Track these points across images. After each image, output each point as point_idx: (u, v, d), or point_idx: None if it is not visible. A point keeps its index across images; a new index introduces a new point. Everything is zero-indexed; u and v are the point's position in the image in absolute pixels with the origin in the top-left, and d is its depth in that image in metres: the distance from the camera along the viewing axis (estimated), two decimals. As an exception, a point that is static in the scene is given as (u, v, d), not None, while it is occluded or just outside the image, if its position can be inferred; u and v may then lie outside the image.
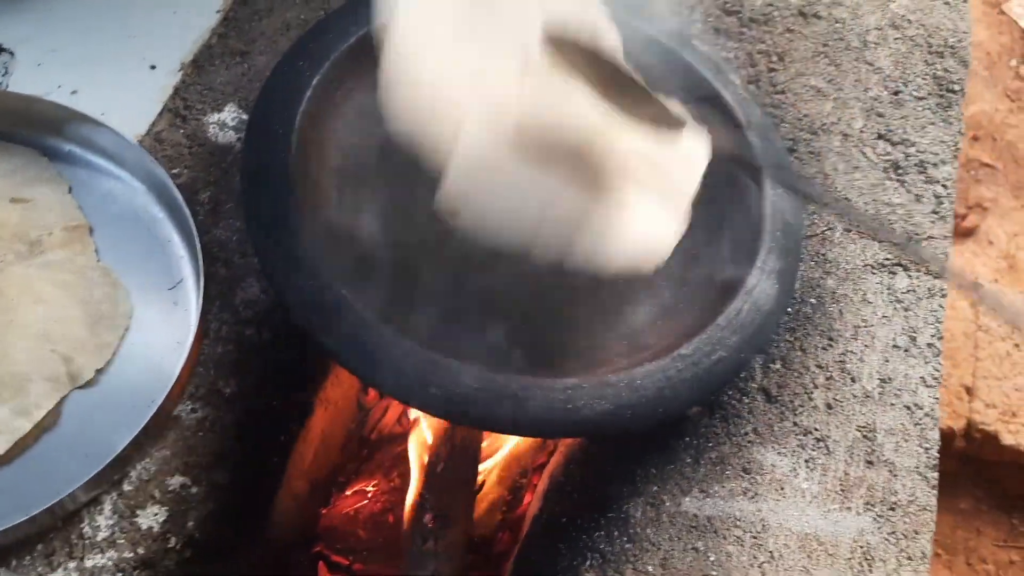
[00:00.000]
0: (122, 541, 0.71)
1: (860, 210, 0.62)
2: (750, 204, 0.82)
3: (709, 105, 0.86)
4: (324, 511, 1.01)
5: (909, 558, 0.76)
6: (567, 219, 0.73)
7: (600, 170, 0.76)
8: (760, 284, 0.77)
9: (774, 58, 1.03)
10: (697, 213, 0.86)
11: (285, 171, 0.74)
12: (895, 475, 0.79)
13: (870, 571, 0.75)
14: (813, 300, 0.87)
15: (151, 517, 0.72)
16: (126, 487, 0.73)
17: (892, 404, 0.82)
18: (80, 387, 0.76)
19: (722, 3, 1.07)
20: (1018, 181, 2.02)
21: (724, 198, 0.84)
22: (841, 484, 0.79)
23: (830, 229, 0.92)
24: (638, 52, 0.89)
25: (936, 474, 0.80)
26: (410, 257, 0.81)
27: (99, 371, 0.76)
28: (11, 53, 0.94)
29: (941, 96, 1.02)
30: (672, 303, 0.82)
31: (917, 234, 0.92)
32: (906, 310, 0.88)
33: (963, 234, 1.92)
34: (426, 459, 0.96)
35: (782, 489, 0.78)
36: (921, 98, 1.02)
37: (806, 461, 0.79)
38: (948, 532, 1.56)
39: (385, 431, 1.09)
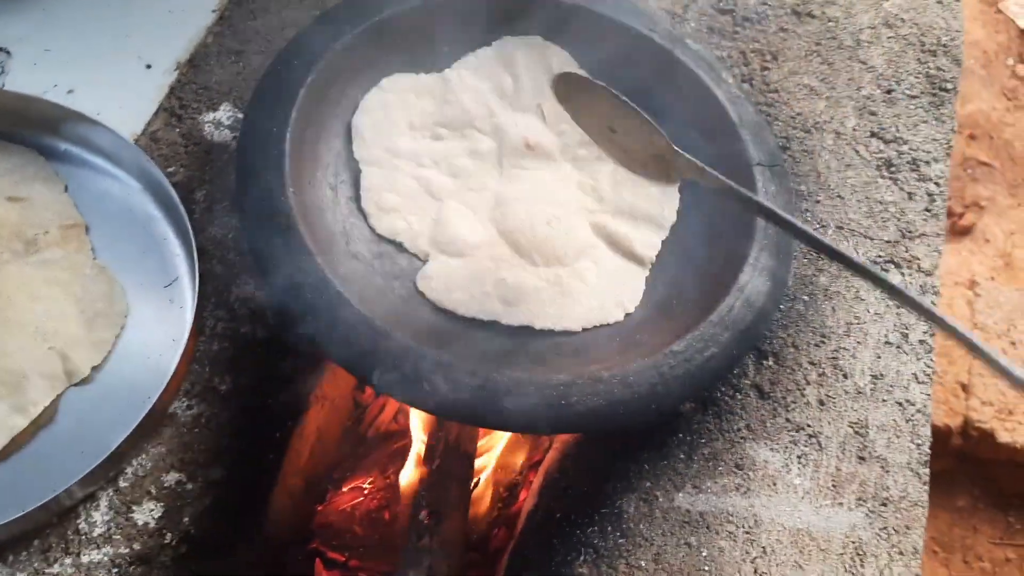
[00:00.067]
0: (118, 537, 0.71)
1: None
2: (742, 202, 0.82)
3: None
4: (320, 508, 1.01)
5: (901, 553, 0.76)
6: (533, 294, 0.79)
7: (563, 251, 0.82)
8: (752, 281, 0.77)
9: (767, 57, 1.03)
10: (689, 212, 0.87)
11: (279, 169, 0.75)
12: (887, 471, 0.80)
13: (862, 566, 0.75)
14: (806, 297, 0.88)
15: (147, 513, 0.73)
16: (122, 483, 0.73)
17: (884, 400, 0.83)
18: (76, 384, 0.76)
19: (716, 2, 1.07)
20: (1015, 179, 2.02)
21: (716, 197, 0.85)
22: (833, 480, 0.79)
23: (823, 227, 0.92)
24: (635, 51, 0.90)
25: (928, 470, 0.80)
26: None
27: (95, 368, 0.77)
28: (7, 52, 0.94)
29: (934, 94, 1.03)
30: (665, 300, 0.82)
31: (910, 231, 0.93)
32: (898, 307, 0.88)
33: (960, 232, 1.93)
34: (422, 456, 0.97)
35: (774, 485, 0.78)
36: (914, 96, 1.02)
37: (798, 457, 0.80)
38: (945, 530, 1.57)
39: (381, 428, 1.09)
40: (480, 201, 0.86)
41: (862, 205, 0.94)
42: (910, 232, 0.93)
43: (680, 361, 0.72)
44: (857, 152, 0.97)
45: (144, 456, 0.75)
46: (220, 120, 0.91)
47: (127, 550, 0.71)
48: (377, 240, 0.82)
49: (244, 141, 0.78)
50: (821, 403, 0.82)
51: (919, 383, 0.84)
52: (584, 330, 0.80)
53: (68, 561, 0.70)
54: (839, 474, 0.79)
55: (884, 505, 0.78)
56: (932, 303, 0.89)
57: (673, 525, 0.76)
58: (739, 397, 0.82)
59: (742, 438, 0.80)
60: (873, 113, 1.00)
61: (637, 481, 0.78)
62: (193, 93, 0.93)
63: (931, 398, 0.84)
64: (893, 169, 0.97)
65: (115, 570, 0.70)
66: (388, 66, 0.89)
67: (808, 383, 0.83)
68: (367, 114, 0.87)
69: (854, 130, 0.99)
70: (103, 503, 0.72)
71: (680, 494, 0.77)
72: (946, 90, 1.03)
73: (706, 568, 0.74)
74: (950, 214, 1.94)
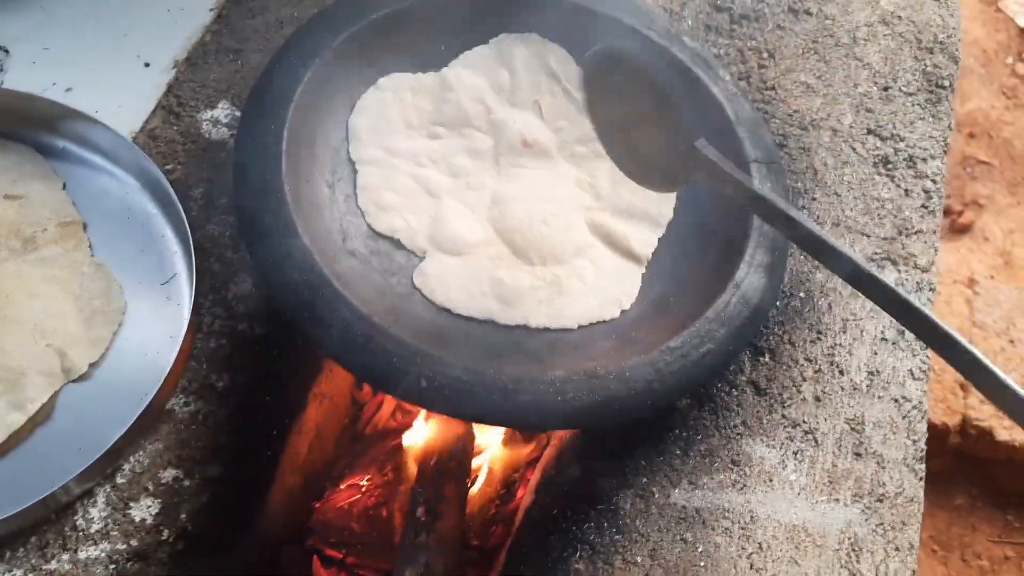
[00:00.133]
0: (115, 533, 0.72)
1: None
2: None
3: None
4: (318, 505, 1.01)
5: (897, 549, 0.77)
6: (530, 293, 0.80)
7: (560, 250, 0.82)
8: (748, 278, 0.77)
9: (764, 54, 1.04)
10: (686, 208, 0.87)
11: (276, 167, 0.75)
12: (883, 467, 0.80)
13: (858, 562, 0.76)
14: (802, 294, 0.88)
15: (144, 509, 0.73)
16: (119, 480, 0.74)
17: (880, 397, 0.83)
18: (74, 381, 0.76)
19: (713, 0, 1.08)
20: (1014, 178, 2.03)
21: (714, 194, 0.85)
22: (829, 476, 0.79)
23: (820, 224, 0.92)
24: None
25: (924, 466, 0.80)
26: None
27: (93, 365, 0.77)
28: (6, 51, 0.95)
29: (931, 92, 1.03)
30: (661, 297, 0.82)
31: (906, 228, 0.93)
32: (895, 304, 0.88)
33: (959, 231, 1.93)
34: (419, 453, 0.97)
35: (770, 481, 0.78)
36: (911, 94, 1.02)
37: (795, 453, 0.80)
38: (943, 528, 1.57)
39: (379, 426, 1.09)
40: (478, 200, 0.86)
41: (859, 202, 0.94)
42: (907, 229, 0.93)
43: (676, 357, 0.73)
44: (854, 149, 0.98)
45: (141, 453, 0.75)
46: (218, 118, 0.92)
47: (124, 546, 0.71)
48: (374, 237, 0.82)
49: (241, 139, 0.78)
50: (817, 399, 0.83)
51: (915, 379, 0.84)
52: (580, 327, 0.81)
53: (65, 557, 0.70)
54: (835, 470, 0.79)
55: (880, 501, 0.78)
56: (928, 299, 0.89)
57: (669, 521, 0.76)
58: (735, 393, 0.83)
59: (738, 434, 0.80)
60: (870, 110, 1.01)
61: (633, 477, 0.78)
62: (191, 91, 0.93)
63: (927, 394, 0.84)
64: (890, 166, 0.97)
65: (112, 566, 0.71)
66: (386, 65, 0.89)
67: (804, 379, 0.84)
68: (364, 114, 0.87)
69: (851, 127, 0.99)
70: (100, 500, 0.73)
71: (676, 490, 0.78)
72: (943, 87, 1.03)
73: (702, 564, 0.74)
74: (949, 212, 1.94)
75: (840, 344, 0.86)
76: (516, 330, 0.79)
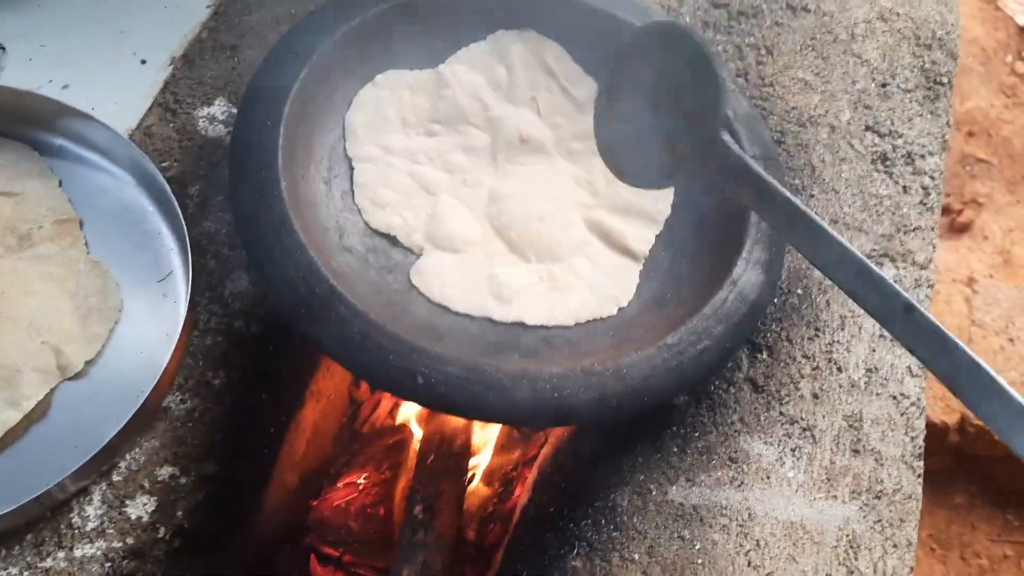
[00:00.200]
0: (111, 531, 0.71)
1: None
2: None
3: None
4: (315, 503, 1.01)
5: (895, 546, 0.76)
6: (527, 290, 0.79)
7: (556, 247, 0.82)
8: (746, 275, 0.77)
9: (762, 51, 1.03)
10: (683, 206, 0.87)
11: (273, 163, 0.75)
12: (881, 464, 0.80)
13: (856, 559, 0.75)
14: (800, 291, 0.88)
15: (140, 507, 0.73)
16: (115, 477, 0.73)
17: (878, 394, 0.83)
18: (70, 378, 0.76)
19: (711, -3, 1.08)
20: (1013, 177, 2.03)
21: (710, 191, 0.85)
22: (827, 473, 0.79)
23: (817, 221, 0.92)
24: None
25: (922, 463, 0.80)
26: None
27: (89, 363, 0.77)
28: (3, 48, 0.94)
29: (929, 88, 1.03)
30: (659, 294, 0.82)
31: (904, 225, 0.93)
32: (893, 301, 0.88)
33: (958, 230, 1.93)
34: (417, 451, 0.97)
35: (768, 478, 0.78)
36: (909, 90, 1.02)
37: (792, 450, 0.80)
38: (943, 527, 1.57)
39: (377, 424, 1.09)
40: (475, 197, 0.86)
41: (857, 199, 0.94)
42: (905, 226, 0.93)
43: (673, 354, 0.72)
44: (852, 146, 0.97)
45: (137, 450, 0.75)
46: (214, 115, 0.91)
47: (120, 544, 0.71)
48: (371, 234, 0.82)
49: (238, 136, 0.78)
50: (815, 396, 0.82)
51: (913, 376, 0.84)
52: (577, 325, 0.80)
53: (61, 555, 0.70)
54: (833, 467, 0.79)
55: (878, 498, 0.78)
56: (926, 296, 0.89)
57: (666, 518, 0.76)
58: (733, 390, 0.82)
59: (736, 431, 0.80)
60: (868, 107, 1.00)
61: (630, 474, 0.78)
62: (187, 88, 0.93)
63: (925, 391, 0.84)
64: (888, 163, 0.97)
65: (108, 564, 0.70)
66: (382, 61, 0.89)
67: (802, 376, 0.83)
68: (361, 110, 0.87)
69: (849, 124, 0.99)
70: (96, 497, 0.72)
71: (673, 487, 0.77)
72: (941, 84, 1.03)
73: (699, 561, 0.74)
74: (948, 211, 1.94)
75: (838, 341, 0.85)
76: (513, 327, 0.79)
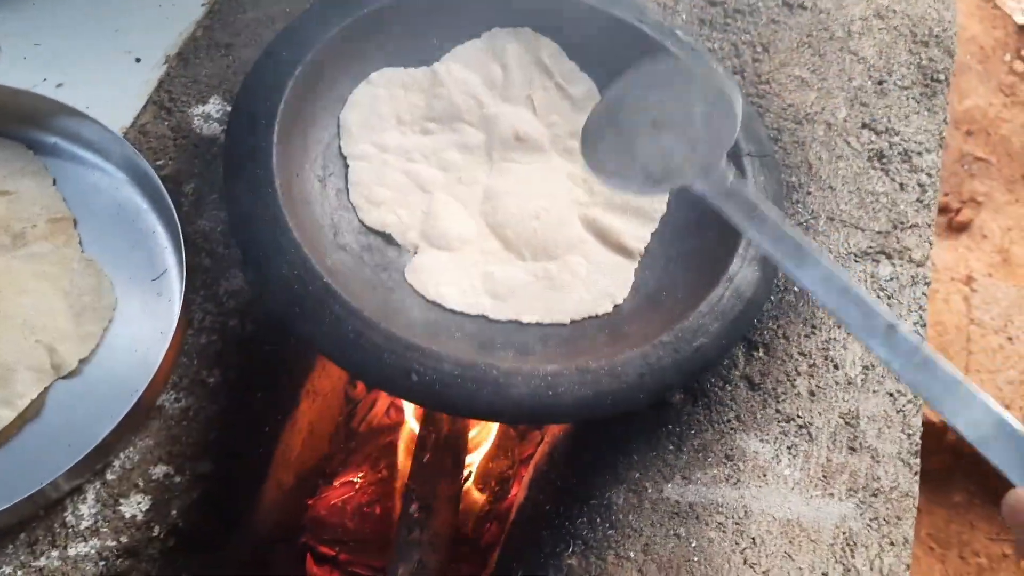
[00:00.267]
0: (105, 530, 0.71)
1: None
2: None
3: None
4: (311, 502, 1.01)
5: (892, 543, 0.76)
6: (522, 288, 0.79)
7: (552, 245, 0.82)
8: (742, 271, 0.77)
9: (759, 48, 1.03)
10: (679, 203, 0.87)
11: (267, 161, 0.75)
12: (878, 461, 0.80)
13: (852, 556, 0.75)
14: (796, 288, 0.88)
15: (134, 506, 0.73)
16: (109, 476, 0.73)
17: (875, 391, 0.83)
18: (64, 377, 0.76)
19: (707, -6, 1.08)
20: (1012, 175, 2.02)
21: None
22: (823, 470, 0.79)
23: (814, 218, 0.92)
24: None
25: (919, 460, 0.80)
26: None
27: (83, 361, 0.77)
28: (-3, 47, 0.94)
29: (926, 85, 1.02)
30: (655, 292, 0.82)
31: (901, 222, 0.92)
32: (889, 297, 0.88)
33: (957, 229, 1.93)
34: (413, 450, 0.96)
35: (764, 476, 0.78)
36: (905, 87, 1.02)
37: (788, 448, 0.80)
38: (942, 526, 1.57)
39: (374, 423, 1.09)
40: (470, 195, 0.86)
41: (853, 196, 0.94)
42: (901, 223, 0.93)
43: (669, 351, 0.72)
44: (848, 143, 0.97)
45: (132, 449, 0.75)
46: (209, 113, 0.91)
47: (114, 543, 0.71)
48: (366, 232, 0.82)
49: (232, 134, 0.77)
50: (812, 394, 0.82)
51: (910, 374, 0.84)
52: (573, 322, 0.80)
53: (55, 554, 0.70)
54: (829, 465, 0.79)
55: (875, 496, 0.78)
56: (923, 293, 0.88)
57: (662, 516, 0.76)
58: (729, 388, 0.82)
59: (732, 429, 0.80)
60: (864, 104, 1.00)
61: (626, 472, 0.78)
62: (182, 87, 0.93)
63: (922, 389, 0.84)
64: (884, 160, 0.97)
65: (102, 563, 0.70)
66: (377, 59, 0.88)
67: (799, 374, 0.83)
68: (355, 109, 0.86)
69: (845, 121, 0.99)
70: (90, 496, 0.72)
71: (669, 485, 0.77)
72: (938, 81, 1.03)
73: (695, 559, 0.74)
74: (947, 210, 1.94)
75: (834, 338, 0.85)
76: (508, 325, 0.79)
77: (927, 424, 1.55)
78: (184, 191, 0.86)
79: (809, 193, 0.94)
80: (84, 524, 0.71)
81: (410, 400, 0.71)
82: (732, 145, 0.68)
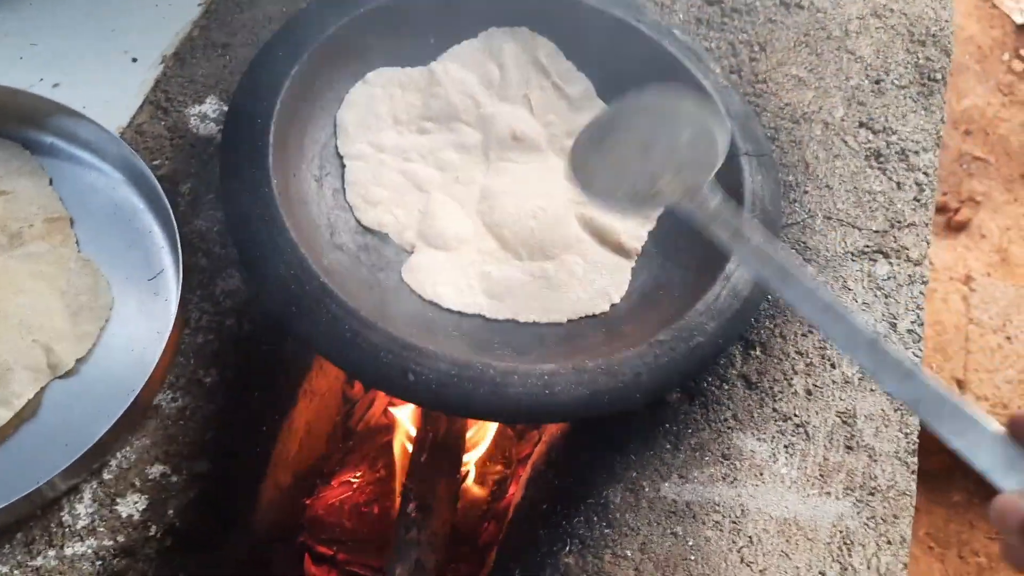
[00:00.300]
0: (102, 529, 0.71)
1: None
2: (728, 192, 0.82)
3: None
4: (309, 502, 1.01)
5: (889, 542, 0.76)
6: (519, 288, 0.79)
7: (549, 244, 0.82)
8: (739, 271, 0.77)
9: (756, 48, 1.03)
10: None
11: (264, 161, 0.75)
12: (875, 460, 0.79)
13: (849, 555, 0.75)
14: (793, 287, 0.88)
15: (131, 505, 0.73)
16: (106, 475, 0.73)
17: (872, 390, 0.83)
18: (60, 377, 0.76)
19: (704, -6, 1.08)
20: (1010, 175, 2.02)
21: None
22: (820, 469, 0.79)
23: (811, 217, 0.92)
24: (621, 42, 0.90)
25: (916, 459, 0.80)
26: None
27: (79, 361, 0.77)
28: (-7, 47, 0.94)
29: (923, 84, 1.02)
30: (651, 291, 0.82)
31: (898, 221, 0.92)
32: (887, 297, 0.88)
33: (956, 228, 1.93)
34: (410, 450, 0.96)
35: (761, 474, 0.78)
36: (903, 87, 1.02)
37: (785, 447, 0.80)
38: (941, 525, 1.57)
39: (371, 422, 1.09)
40: (467, 194, 0.86)
41: (850, 195, 0.94)
42: (899, 222, 0.93)
43: (665, 350, 0.72)
44: (845, 142, 0.97)
45: (128, 448, 0.74)
46: (206, 113, 0.91)
47: (111, 542, 0.71)
48: (362, 232, 0.82)
49: (228, 134, 0.77)
50: (808, 393, 0.82)
51: (907, 372, 0.84)
52: (570, 321, 0.80)
53: (52, 553, 0.70)
54: (826, 464, 0.79)
55: (872, 494, 0.78)
56: (920, 292, 0.88)
57: (659, 515, 0.76)
58: (726, 387, 0.82)
59: (729, 428, 0.80)
60: (862, 103, 1.00)
61: (623, 471, 0.78)
62: (179, 86, 0.93)
63: (919, 387, 0.83)
64: (882, 159, 0.97)
65: (99, 562, 0.70)
66: (374, 58, 0.88)
67: (795, 373, 0.83)
68: (352, 108, 0.86)
69: (842, 120, 0.99)
70: (87, 495, 0.72)
71: (666, 484, 0.77)
72: (935, 80, 1.03)
73: (692, 558, 0.74)
74: (946, 209, 1.94)
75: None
76: (505, 324, 0.79)
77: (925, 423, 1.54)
78: (181, 191, 0.86)
79: (806, 192, 0.94)
80: (81, 524, 0.71)
81: (407, 400, 0.71)
82: (715, 171, 0.70)
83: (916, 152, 0.97)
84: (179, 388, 0.78)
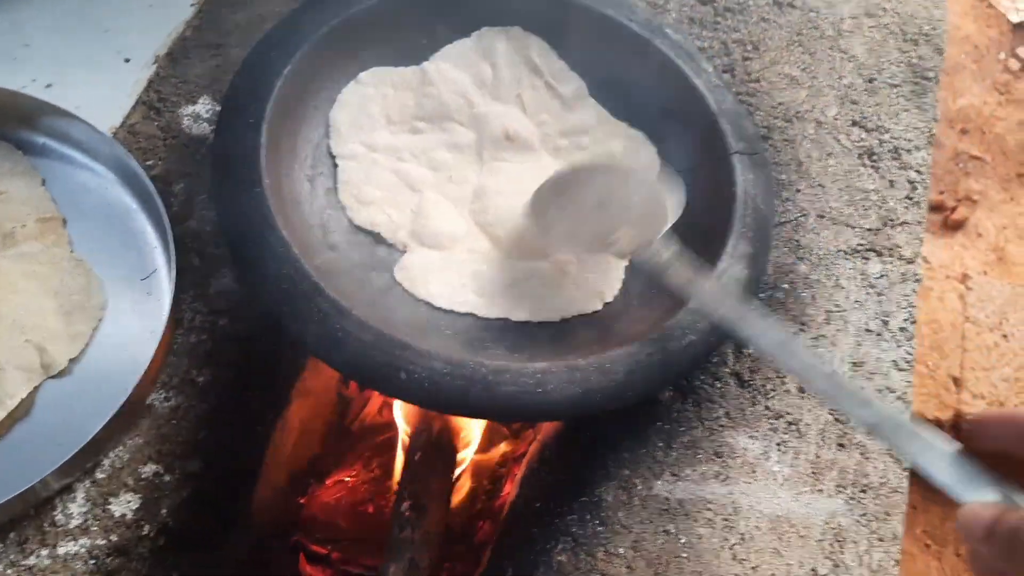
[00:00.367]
0: (95, 528, 0.71)
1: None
2: (721, 191, 0.82)
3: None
4: (304, 501, 1.01)
5: (881, 539, 0.76)
6: (510, 288, 0.80)
7: (540, 244, 0.82)
8: (730, 269, 0.77)
9: (749, 47, 1.03)
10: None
11: (256, 161, 0.75)
12: (867, 457, 0.80)
13: (842, 552, 0.75)
14: (786, 286, 0.88)
15: (124, 504, 0.73)
16: (99, 475, 0.73)
17: (863, 387, 0.83)
18: (53, 377, 0.76)
19: (697, -7, 1.08)
20: (1007, 174, 2.03)
21: (695, 185, 0.85)
22: (813, 467, 0.79)
23: (803, 215, 0.92)
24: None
25: (908, 456, 0.80)
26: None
27: (72, 360, 0.77)
28: (-14, 48, 0.94)
29: (916, 83, 1.03)
30: (644, 289, 0.82)
31: (891, 219, 0.93)
32: (879, 295, 0.88)
33: (952, 227, 1.93)
34: (405, 448, 0.96)
35: (754, 472, 0.78)
36: (895, 85, 1.02)
37: (778, 444, 0.80)
38: (937, 523, 1.57)
39: (367, 422, 1.09)
40: (460, 194, 0.86)
41: (843, 193, 0.94)
42: (891, 220, 0.93)
43: (658, 348, 0.72)
44: (838, 141, 0.97)
45: (121, 448, 0.75)
46: (199, 113, 0.91)
47: (104, 542, 0.71)
48: (355, 231, 0.82)
49: (220, 133, 0.78)
50: (801, 390, 0.82)
51: (899, 370, 0.84)
52: (563, 320, 0.80)
53: (45, 553, 0.70)
54: (819, 461, 0.79)
55: (864, 492, 0.78)
56: (913, 290, 0.89)
57: (652, 513, 0.76)
58: (719, 385, 0.82)
59: (721, 426, 0.80)
60: (854, 102, 1.00)
61: (616, 469, 0.78)
62: (172, 87, 0.93)
63: (912, 385, 0.84)
64: (875, 158, 0.97)
65: (92, 561, 0.70)
66: (367, 58, 0.88)
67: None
68: (344, 108, 0.86)
69: (835, 119, 0.99)
70: (80, 495, 0.72)
71: (659, 482, 0.77)
72: (928, 79, 1.03)
73: (684, 555, 0.74)
74: (942, 208, 1.94)
75: (824, 335, 0.85)
76: (497, 323, 0.79)
77: (922, 421, 1.55)
78: (174, 191, 0.87)
79: (799, 191, 0.94)
80: (74, 523, 0.71)
81: (400, 398, 0.71)
82: (667, 227, 0.77)
83: (909, 150, 0.98)
84: (172, 387, 0.78)
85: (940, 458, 0.51)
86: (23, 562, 0.69)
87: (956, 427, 1.51)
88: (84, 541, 0.71)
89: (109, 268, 0.81)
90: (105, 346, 0.78)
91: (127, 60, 0.94)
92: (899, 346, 0.85)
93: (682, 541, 0.74)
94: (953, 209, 1.95)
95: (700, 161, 0.85)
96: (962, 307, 1.67)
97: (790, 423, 0.81)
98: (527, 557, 0.76)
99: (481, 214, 0.84)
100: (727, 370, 0.83)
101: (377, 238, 0.82)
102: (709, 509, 0.76)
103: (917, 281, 0.90)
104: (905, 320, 0.87)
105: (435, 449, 0.92)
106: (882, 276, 0.89)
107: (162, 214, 0.80)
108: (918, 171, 0.96)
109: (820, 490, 0.78)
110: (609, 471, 0.78)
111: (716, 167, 0.83)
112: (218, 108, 0.91)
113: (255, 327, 0.83)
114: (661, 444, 0.79)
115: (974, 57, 2.19)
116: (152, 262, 0.82)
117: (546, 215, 0.79)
